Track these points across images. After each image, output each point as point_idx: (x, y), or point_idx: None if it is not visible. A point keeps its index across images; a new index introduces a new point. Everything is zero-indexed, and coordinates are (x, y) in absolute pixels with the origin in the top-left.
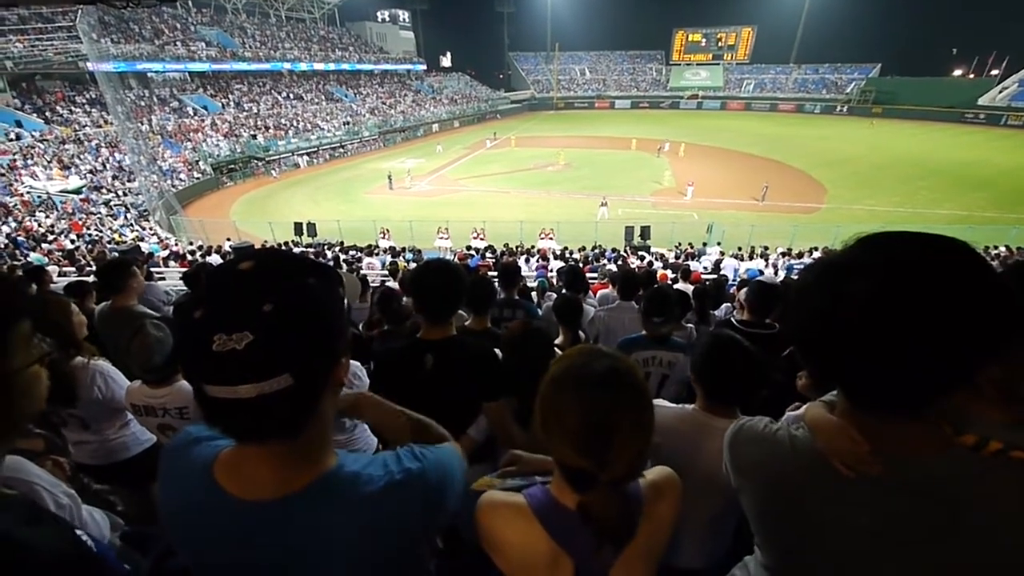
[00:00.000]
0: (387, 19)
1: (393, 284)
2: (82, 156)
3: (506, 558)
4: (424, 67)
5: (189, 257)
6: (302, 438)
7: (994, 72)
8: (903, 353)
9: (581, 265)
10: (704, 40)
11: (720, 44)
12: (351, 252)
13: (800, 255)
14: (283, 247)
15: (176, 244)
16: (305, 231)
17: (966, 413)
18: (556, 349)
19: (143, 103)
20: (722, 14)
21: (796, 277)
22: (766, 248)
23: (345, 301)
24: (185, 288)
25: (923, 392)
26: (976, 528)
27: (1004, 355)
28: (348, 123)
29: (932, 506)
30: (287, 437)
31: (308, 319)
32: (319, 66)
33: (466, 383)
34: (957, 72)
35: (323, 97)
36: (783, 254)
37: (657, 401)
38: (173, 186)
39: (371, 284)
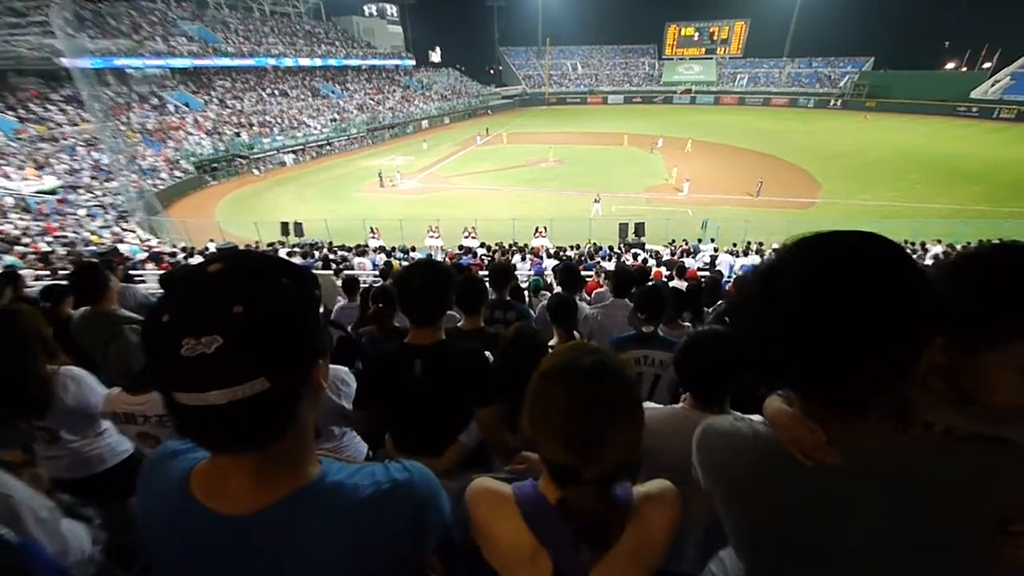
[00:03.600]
0: (374, 13)
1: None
2: (58, 155)
3: (490, 547)
4: (413, 62)
5: (171, 260)
6: (279, 447)
7: (986, 65)
8: (829, 351)
9: (576, 263)
10: (697, 34)
11: (713, 38)
12: (339, 252)
13: None
14: (270, 248)
15: (157, 245)
16: (292, 231)
17: (917, 408)
18: (550, 351)
19: (122, 100)
20: (715, 7)
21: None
22: (761, 244)
23: (321, 303)
24: (163, 291)
25: (858, 388)
26: (926, 501)
27: (951, 348)
28: (335, 120)
29: (886, 485)
30: (262, 446)
31: (282, 319)
32: (305, 61)
33: (457, 389)
34: (950, 65)
35: (309, 93)
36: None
37: (645, 404)
38: (154, 186)
39: (362, 284)
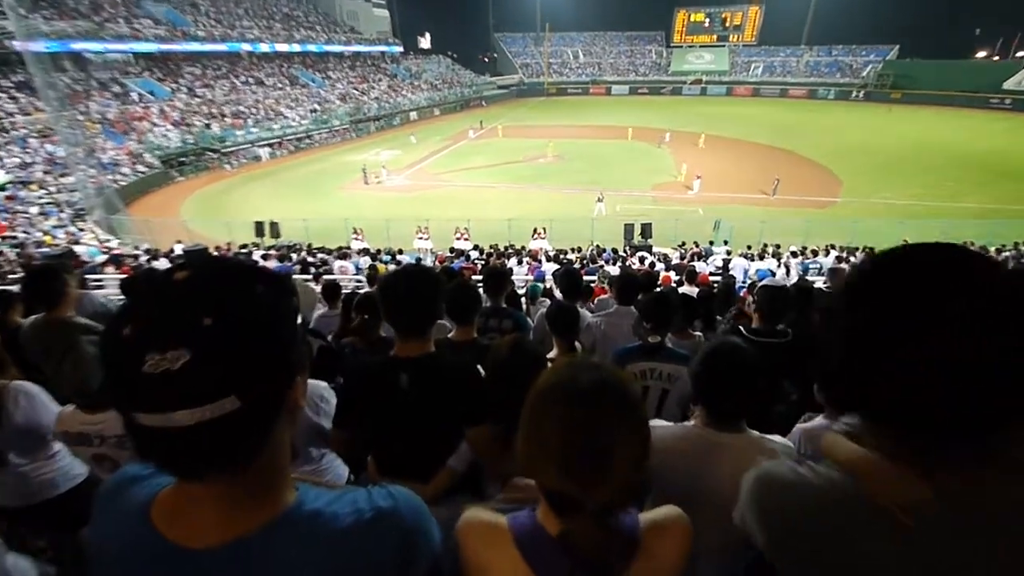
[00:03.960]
0: None
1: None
2: (7, 147)
3: None
4: (401, 49)
5: (132, 262)
6: (252, 473)
7: (1020, 54)
8: (968, 377)
9: (578, 267)
10: (708, 20)
11: (725, 24)
12: (319, 255)
13: (815, 253)
14: (243, 250)
15: (118, 247)
16: (267, 231)
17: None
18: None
19: (80, 87)
20: None
21: (823, 310)
22: (778, 246)
23: (299, 313)
24: (124, 298)
25: (990, 418)
26: (993, 532)
27: None
28: (315, 111)
29: (988, 531)
30: (233, 471)
31: (256, 331)
32: (282, 47)
33: (446, 406)
34: (981, 54)
35: (287, 82)
36: (795, 253)
37: (654, 421)
38: (115, 181)
39: (343, 289)
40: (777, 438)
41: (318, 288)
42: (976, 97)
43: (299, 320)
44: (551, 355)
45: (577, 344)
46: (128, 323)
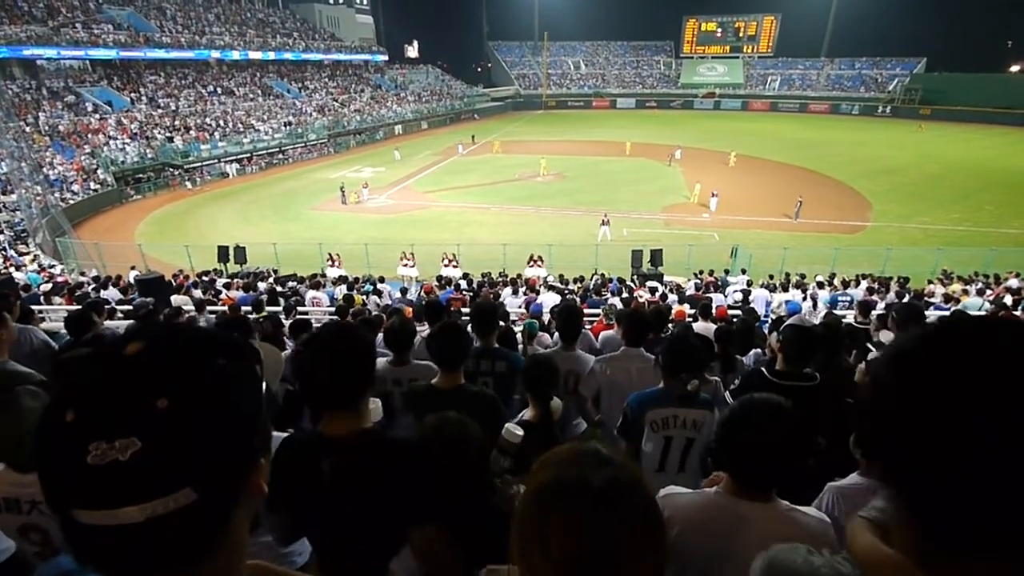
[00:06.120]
0: (340, 1)
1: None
2: None
3: None
4: (385, 58)
5: (79, 291)
6: (205, 571)
7: None
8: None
9: (578, 300)
10: (720, 30)
11: (739, 35)
12: (289, 284)
13: (844, 284)
14: (203, 277)
15: (62, 274)
16: (232, 256)
17: None
18: (516, 433)
19: (29, 96)
20: (739, 0)
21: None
22: (803, 276)
23: (264, 384)
24: (68, 334)
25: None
26: None
27: None
28: (290, 124)
29: None
30: (184, 572)
31: (217, 414)
32: (255, 55)
33: (382, 499)
34: (1014, 68)
35: (259, 92)
36: (821, 283)
37: (671, 489)
38: (63, 200)
39: (316, 323)
40: (811, 511)
41: (287, 322)
42: (1012, 114)
43: (263, 394)
44: (526, 416)
45: (555, 400)
46: (71, 406)
